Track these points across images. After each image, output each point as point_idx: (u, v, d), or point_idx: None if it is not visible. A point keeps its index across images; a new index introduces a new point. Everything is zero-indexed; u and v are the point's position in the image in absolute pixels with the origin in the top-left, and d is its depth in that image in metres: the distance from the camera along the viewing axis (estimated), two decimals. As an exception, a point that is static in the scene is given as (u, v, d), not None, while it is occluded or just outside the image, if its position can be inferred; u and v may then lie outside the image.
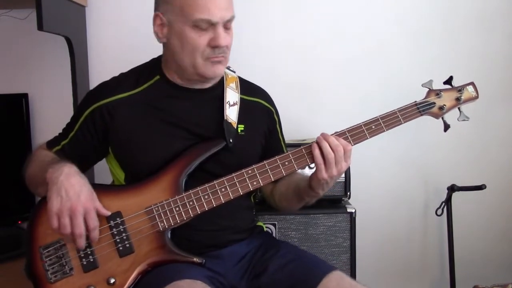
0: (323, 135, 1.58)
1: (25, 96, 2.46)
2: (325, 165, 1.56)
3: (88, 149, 1.71)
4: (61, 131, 1.77)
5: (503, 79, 2.59)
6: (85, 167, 1.75)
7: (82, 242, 1.48)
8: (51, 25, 2.07)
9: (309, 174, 1.64)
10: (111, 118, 1.66)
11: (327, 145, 1.55)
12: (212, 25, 1.58)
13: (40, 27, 1.99)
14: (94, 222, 1.49)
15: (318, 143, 1.57)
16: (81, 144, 1.70)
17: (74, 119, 1.72)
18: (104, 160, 1.80)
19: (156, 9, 1.66)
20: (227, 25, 1.62)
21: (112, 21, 2.51)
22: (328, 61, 2.57)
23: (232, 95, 1.76)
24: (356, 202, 2.32)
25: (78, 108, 1.74)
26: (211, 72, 1.65)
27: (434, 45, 2.56)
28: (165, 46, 1.69)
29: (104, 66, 2.44)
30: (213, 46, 1.60)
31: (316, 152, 1.57)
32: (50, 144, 1.74)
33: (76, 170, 1.52)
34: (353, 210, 2.24)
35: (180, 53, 1.63)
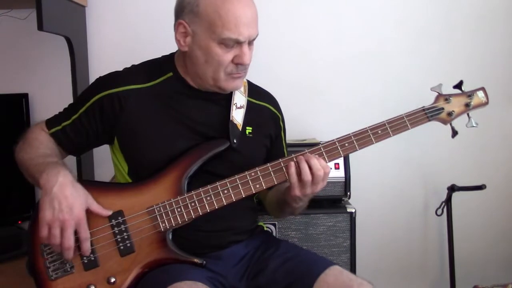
0: (306, 156, 1.57)
1: (25, 96, 2.46)
2: (299, 184, 1.56)
3: (89, 134, 1.69)
4: (62, 110, 1.75)
5: (503, 79, 2.59)
6: (83, 151, 1.76)
7: (70, 255, 1.49)
8: (51, 25, 2.07)
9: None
10: (121, 108, 1.65)
11: (307, 166, 1.55)
12: (238, 43, 1.58)
13: (40, 27, 1.99)
14: (85, 233, 1.50)
15: (298, 162, 1.57)
16: (83, 128, 1.68)
17: (80, 102, 1.70)
18: (105, 153, 1.80)
19: (179, 16, 1.63)
20: (251, 42, 1.63)
21: (112, 21, 2.51)
22: (329, 61, 2.57)
23: (239, 98, 1.76)
24: (356, 202, 2.32)
25: (86, 92, 1.73)
26: (231, 86, 1.66)
27: (435, 45, 2.57)
28: (186, 54, 1.66)
29: (104, 66, 2.40)
30: (237, 63, 1.61)
31: (292, 170, 1.56)
32: (50, 124, 1.71)
33: (71, 180, 1.51)
34: (353, 210, 2.24)
35: (203, 66, 1.62)
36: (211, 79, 1.64)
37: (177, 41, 1.65)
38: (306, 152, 1.59)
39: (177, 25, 1.63)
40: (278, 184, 1.63)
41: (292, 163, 1.57)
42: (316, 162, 1.55)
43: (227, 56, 1.59)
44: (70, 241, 1.46)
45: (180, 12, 1.63)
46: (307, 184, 1.55)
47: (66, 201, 1.46)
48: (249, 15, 1.57)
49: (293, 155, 1.61)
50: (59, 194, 1.46)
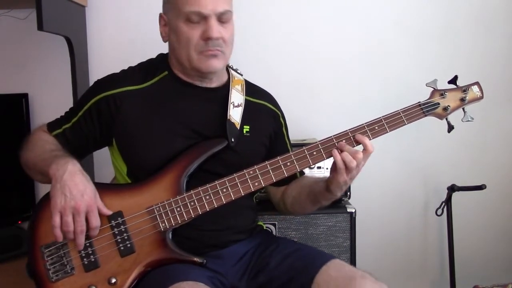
0: (341, 144, 1.58)
1: (25, 96, 2.46)
2: (346, 170, 1.56)
3: (89, 137, 1.71)
4: (63, 114, 1.77)
5: (503, 79, 2.59)
6: (83, 154, 1.76)
7: (82, 239, 1.50)
8: (51, 25, 2.07)
9: (320, 177, 1.64)
10: (117, 109, 1.66)
11: (347, 153, 1.55)
12: (204, 18, 1.59)
13: (40, 27, 1.99)
14: (96, 220, 1.51)
15: (340, 149, 1.57)
16: (82, 131, 1.70)
17: (79, 105, 1.72)
18: (105, 155, 1.80)
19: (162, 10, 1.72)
20: (222, 19, 1.63)
21: (112, 21, 2.51)
22: (329, 61, 2.57)
23: (237, 97, 1.76)
24: (356, 202, 2.32)
25: (85, 95, 1.74)
26: (205, 66, 1.66)
27: (434, 45, 2.57)
28: (168, 44, 1.72)
29: (104, 66, 2.41)
30: (205, 38, 1.61)
31: (338, 158, 1.56)
32: (51, 127, 1.73)
33: (80, 168, 1.53)
34: (353, 210, 2.23)
35: (178, 49, 1.66)
36: (186, 61, 1.66)
37: (160, 34, 1.72)
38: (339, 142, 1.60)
39: (159, 20, 1.72)
40: (282, 180, 1.64)
41: (335, 151, 1.57)
42: (352, 149, 1.56)
43: (194, 32, 1.61)
44: (82, 226, 1.48)
45: (162, 8, 1.72)
46: (352, 168, 1.55)
47: (76, 188, 1.48)
48: None
49: (290, 153, 1.62)
50: (69, 181, 1.48)
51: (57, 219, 1.47)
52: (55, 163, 1.51)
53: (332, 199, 1.68)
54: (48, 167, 1.52)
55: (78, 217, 1.47)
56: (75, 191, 1.47)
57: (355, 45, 2.57)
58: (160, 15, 1.71)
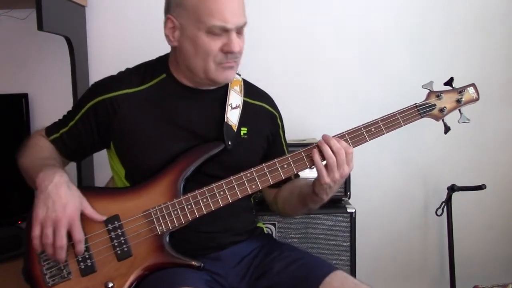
0: (325, 137, 1.57)
1: (25, 96, 2.46)
2: (326, 170, 1.55)
3: (87, 141, 1.70)
4: (61, 117, 1.76)
5: (502, 79, 2.59)
6: (82, 157, 1.76)
7: (62, 255, 1.47)
8: (51, 25, 2.07)
9: (313, 179, 1.62)
10: (114, 112, 1.65)
11: (328, 149, 1.54)
12: (225, 31, 1.57)
13: (40, 27, 2.00)
14: (79, 234, 1.48)
15: (319, 146, 1.56)
16: (80, 135, 1.69)
17: (76, 108, 1.71)
18: (105, 156, 1.80)
19: (167, 11, 1.65)
20: (239, 31, 1.62)
21: (112, 21, 2.52)
22: (328, 61, 2.57)
23: (235, 98, 1.75)
24: (356, 202, 2.32)
25: (82, 98, 1.74)
26: (223, 77, 1.65)
27: (434, 46, 2.57)
28: (176, 49, 1.67)
29: (104, 66, 2.42)
30: (226, 51, 1.59)
31: (316, 157, 1.56)
32: (49, 131, 1.73)
33: (66, 180, 1.50)
34: (353, 210, 2.24)
35: (193, 58, 1.62)
36: (202, 72, 1.63)
37: (167, 37, 1.66)
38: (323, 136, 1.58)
39: (166, 21, 1.65)
40: (277, 182, 1.63)
41: (315, 150, 1.57)
42: (335, 142, 1.55)
43: (215, 44, 1.58)
44: (62, 240, 1.45)
45: (167, 7, 1.65)
46: (333, 167, 1.54)
47: (60, 200, 1.45)
48: (235, 2, 1.58)
49: (287, 155, 1.61)
50: (53, 193, 1.45)
51: (36, 230, 1.44)
52: (42, 172, 1.50)
53: (319, 202, 1.67)
54: (36, 175, 1.50)
55: (58, 231, 1.44)
56: (58, 203, 1.45)
57: (355, 45, 2.56)
58: (168, 18, 1.63)
